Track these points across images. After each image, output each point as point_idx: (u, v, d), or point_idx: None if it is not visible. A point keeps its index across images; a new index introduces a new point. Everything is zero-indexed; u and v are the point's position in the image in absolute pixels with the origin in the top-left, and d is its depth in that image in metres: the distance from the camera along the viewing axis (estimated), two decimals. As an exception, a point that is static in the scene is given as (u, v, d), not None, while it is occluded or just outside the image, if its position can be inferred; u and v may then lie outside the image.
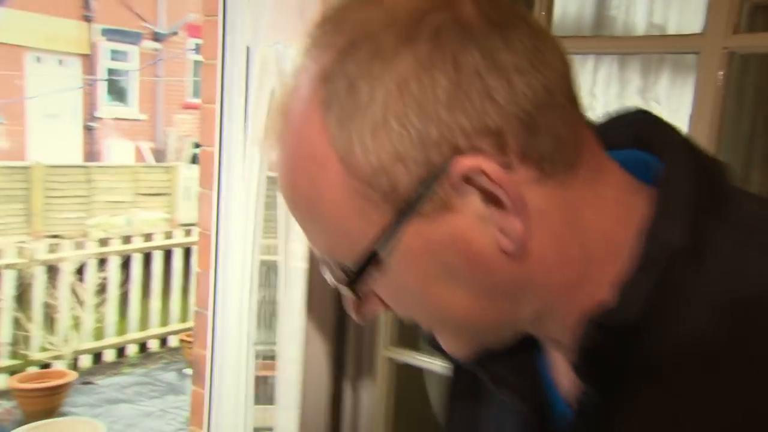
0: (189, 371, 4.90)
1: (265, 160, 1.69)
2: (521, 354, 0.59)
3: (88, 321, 5.50)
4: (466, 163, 0.46)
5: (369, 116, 0.46)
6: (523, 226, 0.48)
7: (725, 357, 0.47)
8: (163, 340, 6.12)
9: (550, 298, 0.52)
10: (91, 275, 5.56)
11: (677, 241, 0.48)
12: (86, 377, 5.40)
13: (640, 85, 1.65)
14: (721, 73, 1.30)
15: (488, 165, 0.46)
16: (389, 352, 1.74)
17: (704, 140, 1.32)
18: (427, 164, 0.46)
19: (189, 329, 6.04)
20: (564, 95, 0.49)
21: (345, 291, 0.53)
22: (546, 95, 0.47)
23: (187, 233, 6.35)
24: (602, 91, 1.66)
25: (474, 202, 0.47)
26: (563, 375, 0.57)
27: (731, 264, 0.48)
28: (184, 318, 6.21)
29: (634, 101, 1.67)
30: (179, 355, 5.92)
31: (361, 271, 0.50)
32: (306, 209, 0.52)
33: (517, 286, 0.51)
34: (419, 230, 0.48)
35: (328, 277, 0.55)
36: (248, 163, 1.74)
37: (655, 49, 1.46)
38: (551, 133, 0.48)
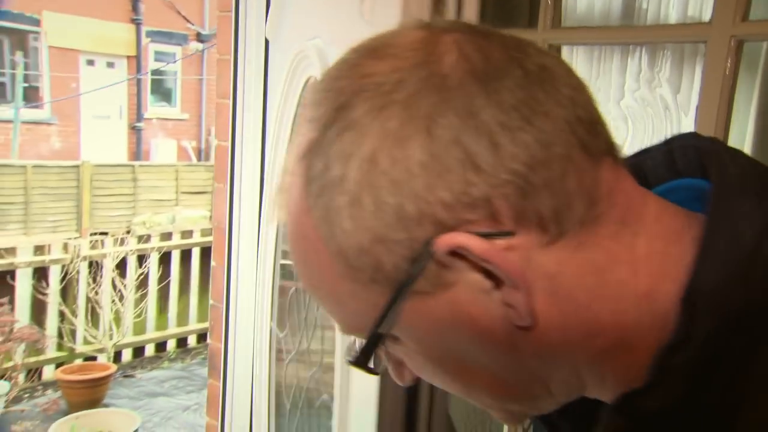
0: (224, 366, 4.99)
1: (280, 156, 1.70)
2: (582, 408, 0.53)
3: (129, 316, 5.64)
4: (447, 240, 0.42)
5: (344, 196, 0.43)
6: (527, 298, 0.43)
7: None
8: (202, 336, 6.24)
9: (583, 370, 0.47)
10: (132, 271, 5.70)
11: (725, 303, 0.41)
12: (127, 370, 5.55)
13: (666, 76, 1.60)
14: (729, 62, 1.26)
15: (471, 241, 0.42)
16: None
17: (711, 131, 1.28)
18: (410, 242, 0.43)
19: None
20: (568, 145, 0.43)
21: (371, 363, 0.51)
22: (542, 150, 0.42)
23: (226, 230, 6.43)
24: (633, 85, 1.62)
25: (470, 276, 0.43)
26: None
27: None
28: (221, 314, 6.28)
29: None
30: (217, 350, 6.03)
31: (372, 347, 0.47)
32: (313, 288, 0.50)
33: (538, 360, 0.46)
34: (418, 308, 0.45)
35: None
36: (267, 159, 1.76)
37: (660, 38, 1.42)
38: (553, 190, 0.43)
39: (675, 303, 0.42)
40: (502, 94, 0.42)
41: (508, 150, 0.41)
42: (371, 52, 0.45)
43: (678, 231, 0.45)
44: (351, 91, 0.44)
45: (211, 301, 2.07)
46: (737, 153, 0.48)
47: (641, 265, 0.44)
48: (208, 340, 2.09)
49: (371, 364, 0.48)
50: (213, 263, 2.04)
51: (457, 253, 0.42)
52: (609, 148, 0.46)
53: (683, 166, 0.51)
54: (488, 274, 0.43)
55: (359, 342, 0.49)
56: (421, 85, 0.42)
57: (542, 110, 0.42)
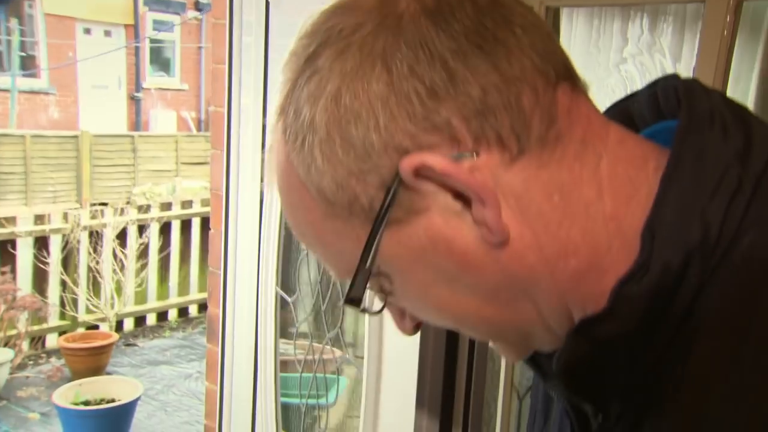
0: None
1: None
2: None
3: (130, 285, 5.67)
4: (411, 162, 0.45)
5: (315, 135, 0.47)
6: (495, 213, 0.45)
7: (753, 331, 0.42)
8: (202, 306, 6.28)
9: (564, 294, 0.48)
10: (132, 241, 5.72)
11: (684, 236, 0.43)
12: (129, 339, 5.60)
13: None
14: (728, 21, 1.25)
15: (433, 159, 0.44)
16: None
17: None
18: (378, 172, 0.46)
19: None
20: (521, 67, 0.45)
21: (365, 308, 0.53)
22: (495, 73, 0.45)
23: (226, 200, 6.44)
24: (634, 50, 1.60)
25: (440, 199, 0.46)
26: None
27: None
28: (222, 283, 6.32)
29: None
30: (218, 319, 6.07)
31: (361, 287, 0.49)
32: (302, 235, 0.53)
33: (519, 283, 0.48)
34: (397, 238, 0.47)
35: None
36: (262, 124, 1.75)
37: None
38: (509, 110, 0.45)
39: (638, 230, 0.44)
40: (453, 25, 0.45)
41: (462, 75, 0.44)
42: (338, 8, 0.48)
43: (641, 157, 0.47)
44: (317, 43, 0.47)
45: (210, 268, 2.08)
46: (713, 91, 0.49)
47: (605, 187, 0.46)
48: (208, 307, 2.11)
49: (365, 304, 0.50)
50: (211, 230, 2.05)
51: (422, 175, 0.45)
52: (566, 74, 0.48)
53: (666, 108, 0.52)
54: (457, 195, 0.45)
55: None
56: (377, 27, 0.45)
57: (493, 37, 0.45)
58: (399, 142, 0.45)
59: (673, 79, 0.52)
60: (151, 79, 13.42)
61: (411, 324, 0.55)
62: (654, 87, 0.53)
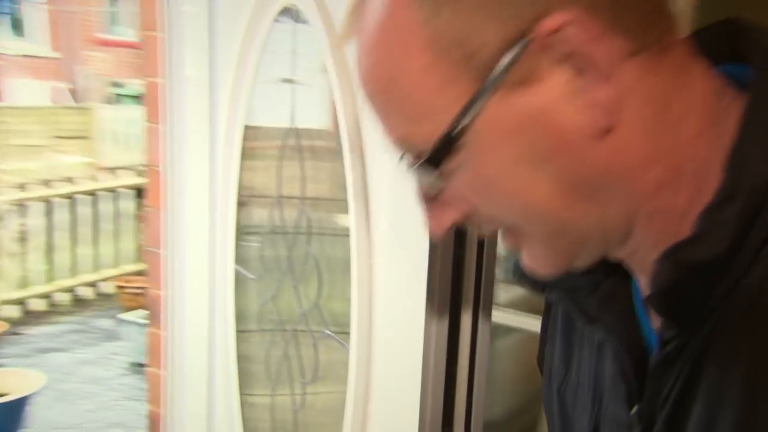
0: (126, 317, 4.82)
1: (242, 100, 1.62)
2: (613, 286, 0.57)
3: (12, 269, 5.27)
4: (558, 19, 0.44)
5: None
6: (612, 94, 0.45)
7: None
8: (96, 287, 5.96)
9: (636, 202, 0.49)
10: (12, 222, 5.31)
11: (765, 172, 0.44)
12: (15, 327, 5.22)
13: None
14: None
15: (579, 21, 0.44)
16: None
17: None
18: (517, 24, 0.45)
19: (125, 274, 5.90)
20: None
21: (427, 182, 0.51)
22: None
23: (114, 176, 6.13)
24: None
25: (559, 72, 0.45)
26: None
27: None
28: (116, 263, 6.04)
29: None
30: (113, 302, 5.79)
31: (443, 152, 0.48)
32: (386, 92, 0.50)
33: (600, 180, 0.48)
34: (504, 103, 0.46)
35: (410, 170, 0.52)
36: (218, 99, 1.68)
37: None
38: (645, 2, 0.46)
39: (719, 155, 0.46)
40: None
41: None
42: None
43: (720, 89, 0.49)
44: None
45: (147, 248, 1.98)
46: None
47: (692, 108, 0.48)
48: (146, 288, 2.01)
49: (441, 166, 0.48)
50: (148, 207, 1.95)
51: (556, 39, 0.44)
52: None
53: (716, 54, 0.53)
54: (578, 69, 0.45)
55: (425, 152, 0.48)
56: None
57: None
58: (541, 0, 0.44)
59: (719, 26, 0.54)
60: (10, 44, 12.32)
61: (451, 217, 0.53)
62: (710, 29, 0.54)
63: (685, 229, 0.47)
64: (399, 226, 1.15)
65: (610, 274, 0.57)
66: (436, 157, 0.48)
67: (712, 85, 0.49)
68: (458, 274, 1.08)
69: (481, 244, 1.07)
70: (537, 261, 0.54)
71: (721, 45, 0.52)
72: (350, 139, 1.24)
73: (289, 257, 1.54)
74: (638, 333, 0.56)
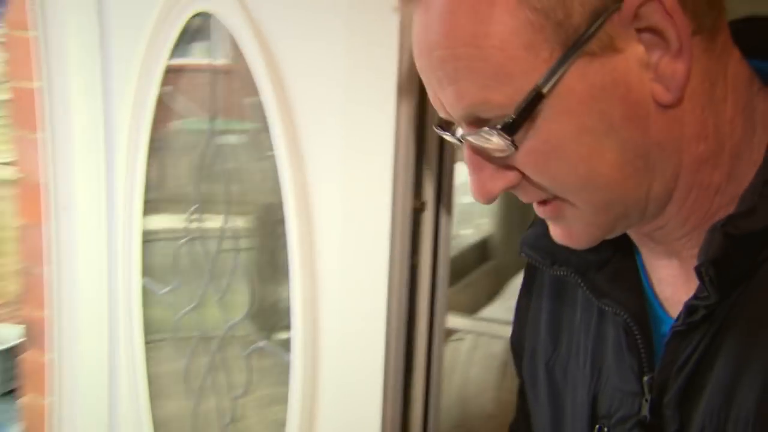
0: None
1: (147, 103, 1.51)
2: (620, 262, 0.61)
3: None
4: None
5: None
6: (682, 70, 0.49)
7: None
8: None
9: (681, 174, 0.53)
10: None
11: None
12: None
13: None
14: None
15: None
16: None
17: None
18: None
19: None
20: None
21: (493, 146, 0.52)
22: None
23: None
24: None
25: (638, 46, 0.49)
26: (665, 282, 0.60)
27: None
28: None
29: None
30: None
31: (522, 114, 0.49)
32: (464, 53, 0.50)
33: (659, 149, 0.52)
34: (584, 71, 0.49)
35: (473, 144, 0.54)
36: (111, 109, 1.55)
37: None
38: None
39: (751, 138, 0.52)
40: None
41: None
42: None
43: (750, 77, 0.54)
44: None
45: (23, 264, 1.80)
46: None
47: (729, 92, 0.53)
48: (23, 309, 1.82)
49: (517, 133, 0.50)
50: (24, 221, 1.77)
51: (641, 12, 0.48)
52: None
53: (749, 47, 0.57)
54: (657, 43, 0.49)
55: (498, 117, 0.50)
56: None
57: None
58: None
59: (744, 22, 0.58)
60: None
61: (503, 184, 0.55)
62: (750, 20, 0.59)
63: (717, 205, 0.53)
64: (346, 231, 1.16)
65: (616, 251, 0.62)
66: (515, 121, 0.50)
67: (746, 73, 0.54)
68: (414, 280, 1.13)
69: (435, 251, 1.12)
70: (574, 233, 0.57)
71: (746, 40, 0.55)
72: (286, 137, 1.22)
73: (213, 265, 1.48)
74: (645, 306, 0.60)
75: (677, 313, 0.56)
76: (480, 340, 2.14)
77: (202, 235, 1.50)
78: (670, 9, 0.48)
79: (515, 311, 0.78)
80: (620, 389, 0.62)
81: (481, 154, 0.55)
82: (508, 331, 1.28)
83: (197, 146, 1.52)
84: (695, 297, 0.53)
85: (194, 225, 1.51)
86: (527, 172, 0.54)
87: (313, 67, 1.18)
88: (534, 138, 0.51)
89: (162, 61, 1.43)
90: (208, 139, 1.48)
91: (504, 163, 0.54)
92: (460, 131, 0.56)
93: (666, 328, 0.58)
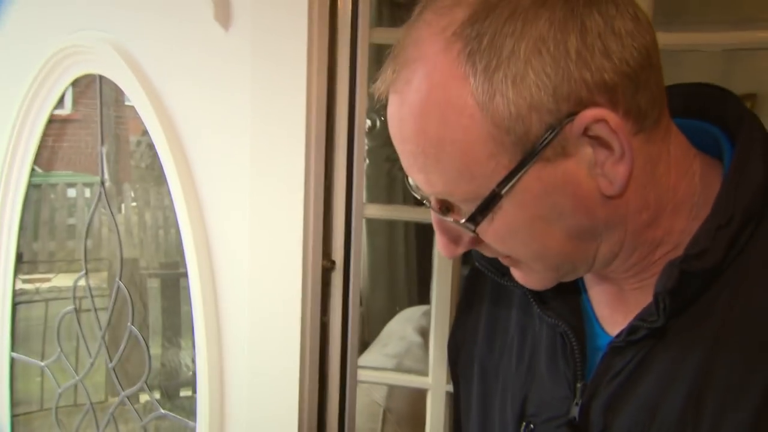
0: None
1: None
2: (566, 282, 0.67)
3: None
4: (592, 113, 0.54)
5: (511, 69, 0.53)
6: (627, 170, 0.56)
7: None
8: None
9: (626, 240, 0.61)
10: None
11: (752, 204, 0.58)
12: None
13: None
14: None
15: (610, 116, 0.54)
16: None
17: None
18: (557, 113, 0.54)
19: None
20: (657, 57, 0.57)
21: (462, 229, 0.59)
22: (647, 56, 0.56)
23: None
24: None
25: (587, 149, 0.56)
26: (603, 303, 0.68)
27: None
28: None
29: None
30: None
31: (482, 210, 0.57)
32: (432, 153, 0.57)
33: (603, 228, 0.59)
34: (539, 174, 0.56)
35: (439, 217, 0.61)
36: None
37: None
38: (648, 90, 0.56)
39: (691, 197, 0.61)
40: (623, 9, 0.56)
41: (629, 51, 0.55)
42: None
43: (686, 144, 0.62)
44: None
45: None
46: (734, 95, 0.65)
47: (672, 164, 0.60)
48: None
49: (478, 224, 0.58)
50: None
51: (589, 127, 0.54)
52: None
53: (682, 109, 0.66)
54: (603, 148, 0.56)
55: (461, 206, 0.58)
56: None
57: (644, 26, 0.57)
58: (580, 92, 0.54)
59: (685, 86, 0.67)
60: None
61: (464, 248, 0.63)
62: (682, 87, 0.68)
63: (660, 253, 0.61)
64: (254, 290, 1.15)
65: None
66: (474, 215, 0.58)
67: (684, 144, 0.63)
68: (324, 339, 1.14)
69: (345, 308, 1.14)
70: (530, 280, 0.66)
71: (677, 103, 0.64)
72: (185, 193, 1.18)
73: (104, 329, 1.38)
74: (582, 321, 0.68)
75: (612, 330, 0.66)
76: (360, 387, 2.16)
77: (84, 295, 1.40)
78: (615, 127, 0.55)
79: (456, 316, 0.86)
80: (551, 393, 0.68)
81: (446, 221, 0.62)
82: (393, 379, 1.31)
83: (65, 201, 1.43)
84: (641, 319, 0.60)
85: (79, 283, 1.41)
86: (487, 242, 0.62)
87: (216, 121, 1.17)
88: (492, 224, 0.59)
89: (44, 113, 1.35)
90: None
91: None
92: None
93: (600, 342, 0.67)
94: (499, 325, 0.78)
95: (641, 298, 0.62)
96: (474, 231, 0.59)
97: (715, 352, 0.57)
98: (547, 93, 0.53)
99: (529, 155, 0.55)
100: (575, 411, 0.65)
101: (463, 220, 0.59)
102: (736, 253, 0.58)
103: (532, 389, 0.71)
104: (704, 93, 0.67)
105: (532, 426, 0.69)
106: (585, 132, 0.55)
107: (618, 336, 0.62)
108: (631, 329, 0.61)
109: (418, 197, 0.63)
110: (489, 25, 0.53)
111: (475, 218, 0.58)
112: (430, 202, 0.62)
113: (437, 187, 0.59)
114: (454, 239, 0.63)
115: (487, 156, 0.55)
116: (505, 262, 0.66)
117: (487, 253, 0.65)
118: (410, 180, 0.62)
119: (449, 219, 0.61)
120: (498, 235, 0.60)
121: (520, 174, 0.55)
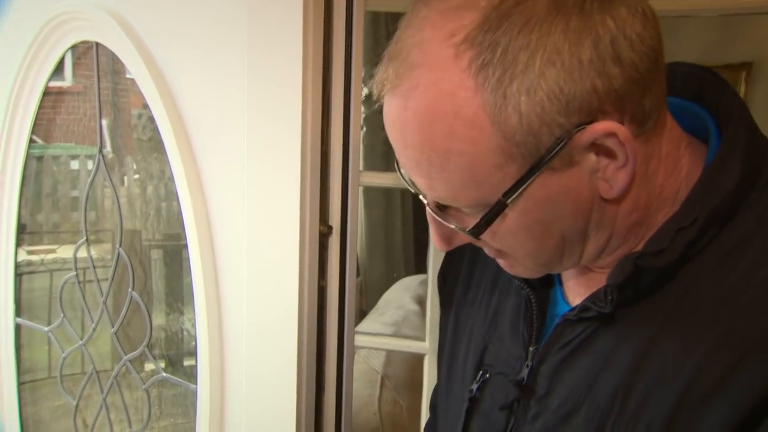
0: None
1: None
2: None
3: None
4: (603, 127, 0.53)
5: (525, 82, 0.51)
6: (627, 176, 0.56)
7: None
8: None
9: (613, 238, 0.62)
10: None
11: (718, 209, 0.57)
12: None
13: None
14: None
15: (620, 129, 0.54)
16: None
17: None
18: (568, 125, 0.53)
19: None
20: (662, 55, 0.56)
21: (463, 233, 0.60)
22: (654, 59, 0.54)
23: None
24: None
25: (591, 156, 0.56)
26: (569, 274, 0.69)
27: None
28: None
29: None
30: None
31: (487, 220, 0.57)
32: (437, 162, 0.56)
33: (597, 227, 0.60)
34: (544, 182, 0.56)
35: (439, 218, 0.61)
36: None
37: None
38: (653, 92, 0.55)
39: (673, 194, 0.60)
40: (634, 9, 0.54)
41: (640, 54, 0.53)
42: None
43: (678, 138, 0.61)
44: None
45: None
46: (737, 96, 0.64)
47: (662, 162, 0.60)
48: None
49: (481, 233, 0.58)
50: None
51: (598, 138, 0.54)
52: None
53: (680, 88, 0.65)
54: (607, 157, 0.55)
55: (471, 217, 0.58)
56: None
57: (652, 24, 0.55)
58: (589, 102, 0.52)
59: (689, 66, 0.66)
60: None
61: (459, 241, 0.63)
62: (684, 67, 0.67)
63: (635, 246, 0.62)
64: (252, 256, 1.16)
65: None
66: (478, 225, 0.58)
67: (674, 137, 0.61)
68: (322, 305, 1.16)
69: (342, 273, 1.16)
70: (516, 270, 0.67)
71: (676, 82, 0.64)
72: (184, 162, 1.19)
73: (106, 295, 1.40)
74: (549, 287, 0.70)
75: (574, 300, 0.67)
76: (358, 354, 2.20)
77: (87, 266, 1.42)
78: (623, 139, 0.54)
79: (444, 260, 0.86)
80: (508, 350, 0.71)
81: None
82: (390, 344, 1.33)
83: (68, 173, 1.44)
84: (591, 301, 0.61)
85: (81, 254, 1.43)
86: (484, 241, 0.63)
87: (213, 88, 1.17)
88: (491, 229, 0.59)
89: (39, 85, 1.35)
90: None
91: None
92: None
93: (560, 310, 0.69)
94: (475, 274, 0.80)
95: (603, 280, 0.62)
96: (475, 232, 0.59)
97: (655, 341, 0.58)
98: (559, 106, 0.52)
99: (536, 165, 0.54)
100: (525, 372, 0.67)
101: (466, 229, 0.59)
102: (694, 253, 0.58)
103: (492, 341, 0.74)
104: (704, 78, 0.66)
105: (487, 375, 0.72)
106: (593, 143, 0.55)
107: (572, 310, 0.64)
108: (582, 308, 0.62)
109: (413, 191, 0.63)
110: (503, 34, 0.51)
111: (479, 227, 0.58)
112: (426, 198, 0.62)
113: (440, 192, 0.59)
114: (448, 236, 0.63)
115: (494, 167, 0.55)
116: (492, 254, 0.67)
117: (479, 245, 0.66)
118: (405, 175, 0.62)
119: (450, 225, 0.61)
120: (496, 237, 0.61)
121: (526, 184, 0.55)
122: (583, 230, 0.61)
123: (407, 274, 2.72)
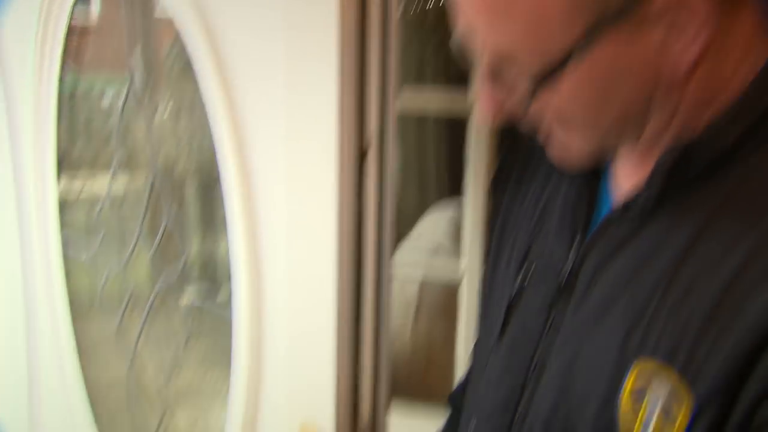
0: None
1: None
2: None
3: None
4: None
5: None
6: (699, 51, 0.54)
7: None
8: None
9: (675, 118, 0.58)
10: None
11: None
12: None
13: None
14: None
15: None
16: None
17: None
18: None
19: None
20: None
21: (520, 89, 0.57)
22: None
23: None
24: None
25: (663, 24, 0.53)
26: (622, 178, 0.67)
27: None
28: None
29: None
30: None
31: (551, 71, 0.54)
32: (502, 7, 0.54)
33: (662, 99, 0.57)
34: (611, 43, 0.53)
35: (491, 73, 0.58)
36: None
37: None
38: None
39: (745, 82, 0.57)
40: None
41: None
42: None
43: (759, 23, 0.57)
44: None
45: None
46: None
47: (738, 42, 0.57)
48: None
49: (541, 85, 0.56)
50: None
51: (674, 7, 0.52)
52: None
53: None
54: (681, 20, 0.53)
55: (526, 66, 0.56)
56: None
57: None
58: None
59: None
60: None
61: (510, 109, 0.61)
62: None
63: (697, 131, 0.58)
64: (290, 180, 1.15)
65: None
66: (542, 73, 0.55)
67: (754, 21, 0.58)
68: (359, 231, 1.14)
69: (381, 196, 1.14)
70: (567, 157, 0.65)
71: None
72: (221, 88, 1.17)
73: (141, 224, 1.40)
74: (597, 189, 0.69)
75: (623, 194, 0.65)
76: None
77: (124, 196, 1.42)
78: (695, 9, 0.52)
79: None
80: (551, 247, 0.70)
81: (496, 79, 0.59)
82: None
83: (106, 106, 1.43)
84: (637, 194, 0.60)
85: (117, 185, 1.43)
86: (537, 109, 0.60)
87: (250, 18, 1.14)
88: (551, 92, 0.57)
89: (63, 20, 1.32)
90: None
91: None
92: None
93: (607, 207, 0.67)
94: (526, 176, 0.79)
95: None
96: (534, 92, 0.57)
97: (702, 233, 0.56)
98: None
99: (604, 20, 0.52)
100: (567, 269, 0.66)
101: (526, 80, 0.56)
102: (754, 146, 0.56)
103: (536, 240, 0.73)
104: None
105: (531, 270, 0.72)
106: (665, 10, 0.52)
107: (617, 207, 0.63)
108: (626, 205, 0.61)
109: (463, 58, 0.60)
110: None
111: (539, 83, 0.56)
112: (481, 57, 0.59)
113: (507, 42, 0.56)
114: (498, 102, 0.61)
115: (561, 13, 0.53)
116: (541, 136, 0.65)
117: (525, 126, 0.63)
118: (458, 40, 0.59)
119: (504, 87, 0.58)
120: (556, 100, 0.58)
121: (592, 38, 0.53)
122: (646, 103, 0.58)
123: (441, 199, 2.68)
